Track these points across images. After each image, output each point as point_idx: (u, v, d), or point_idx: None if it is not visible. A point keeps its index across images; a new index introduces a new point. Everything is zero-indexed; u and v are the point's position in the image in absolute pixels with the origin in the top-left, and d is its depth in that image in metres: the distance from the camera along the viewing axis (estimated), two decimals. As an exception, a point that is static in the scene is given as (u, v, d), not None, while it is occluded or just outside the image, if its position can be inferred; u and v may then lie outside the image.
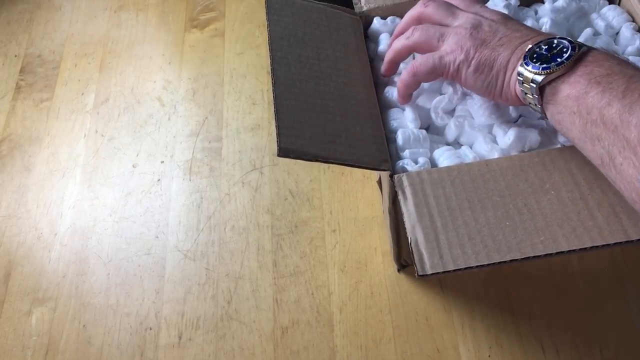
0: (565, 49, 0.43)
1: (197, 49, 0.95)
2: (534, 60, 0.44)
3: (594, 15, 0.60)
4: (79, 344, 0.70)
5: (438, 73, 0.51)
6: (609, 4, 0.61)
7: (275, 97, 0.49)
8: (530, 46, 0.45)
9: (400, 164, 0.51)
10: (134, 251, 0.76)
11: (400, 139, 0.53)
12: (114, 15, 1.02)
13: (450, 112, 0.55)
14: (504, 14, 0.51)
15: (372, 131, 0.52)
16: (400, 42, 0.54)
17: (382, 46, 0.61)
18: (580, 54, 0.42)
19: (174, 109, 0.88)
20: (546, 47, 0.44)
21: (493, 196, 0.46)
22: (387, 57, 0.56)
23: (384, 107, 0.57)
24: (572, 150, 0.47)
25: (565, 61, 0.42)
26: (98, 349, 0.69)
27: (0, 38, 1.01)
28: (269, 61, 0.52)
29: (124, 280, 0.74)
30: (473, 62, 0.48)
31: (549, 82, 0.43)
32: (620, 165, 0.38)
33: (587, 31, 0.58)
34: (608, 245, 0.42)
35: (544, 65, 0.43)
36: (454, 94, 0.55)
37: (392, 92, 0.57)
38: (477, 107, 0.53)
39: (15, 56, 0.98)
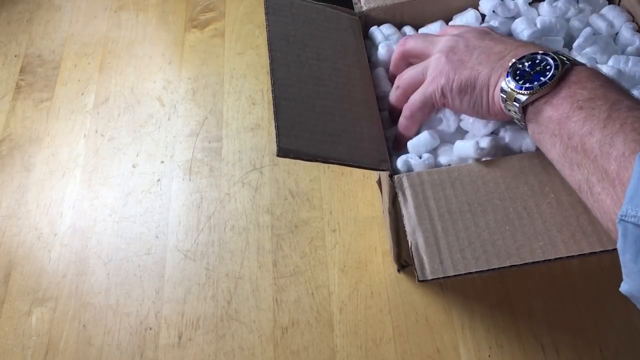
0: (548, 67, 0.42)
1: (197, 49, 0.95)
2: (517, 77, 0.43)
3: (594, 16, 0.60)
4: (79, 344, 0.70)
5: (429, 105, 0.51)
6: (609, 4, 0.61)
7: (275, 97, 0.49)
8: (513, 61, 0.44)
9: (405, 158, 0.51)
10: (134, 251, 0.76)
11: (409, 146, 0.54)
12: (114, 15, 1.01)
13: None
14: (482, 28, 0.51)
15: (371, 131, 0.52)
16: (395, 95, 0.55)
17: (381, 51, 0.61)
18: (564, 72, 0.42)
19: (174, 109, 0.88)
20: (529, 63, 0.43)
21: (493, 199, 0.46)
22: (391, 111, 0.57)
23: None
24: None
25: (548, 81, 0.42)
26: (98, 349, 0.69)
27: (0, 38, 1.01)
28: (269, 61, 0.52)
29: (124, 280, 0.74)
30: (454, 84, 0.48)
31: (532, 102, 0.43)
32: (599, 194, 0.38)
33: (587, 31, 0.58)
34: (607, 251, 0.42)
35: (527, 85, 0.42)
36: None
37: None
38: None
39: (15, 56, 0.98)
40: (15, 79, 0.95)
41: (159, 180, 0.82)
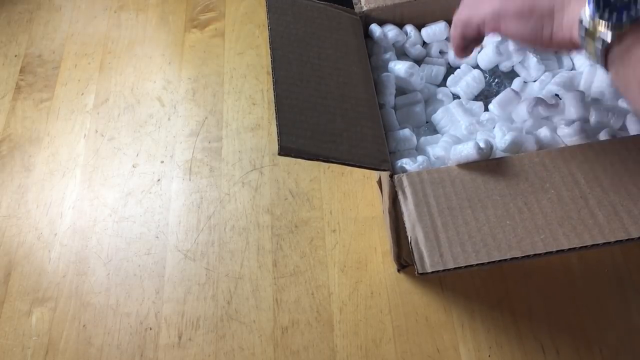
0: None
1: (197, 49, 0.95)
2: (599, 7, 0.35)
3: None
4: (79, 344, 0.70)
5: (473, 25, 0.45)
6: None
7: (276, 96, 0.49)
8: None
9: (399, 163, 0.51)
10: (134, 251, 0.76)
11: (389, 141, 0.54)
12: (114, 15, 1.02)
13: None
14: None
15: (372, 131, 0.52)
16: (451, 34, 0.49)
17: (377, 34, 0.62)
18: None
19: (174, 109, 0.88)
20: None
21: (493, 195, 0.46)
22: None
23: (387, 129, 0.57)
24: (572, 150, 0.47)
25: None
26: (98, 349, 0.69)
27: (0, 38, 1.01)
28: (270, 60, 0.52)
29: (124, 280, 0.74)
30: (510, 7, 0.41)
31: (619, 40, 0.35)
32: None
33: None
34: (609, 243, 0.42)
35: (615, 20, 0.35)
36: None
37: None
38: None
39: (15, 56, 0.98)
40: (15, 79, 0.95)
41: (159, 180, 0.82)
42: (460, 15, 0.46)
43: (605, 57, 0.37)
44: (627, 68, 0.35)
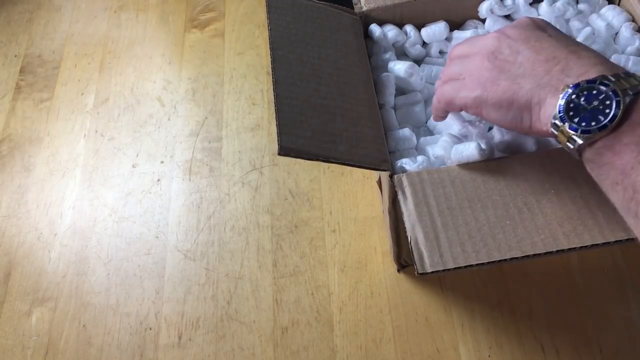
0: (607, 102, 0.36)
1: (197, 49, 0.95)
2: (570, 113, 0.37)
3: (593, 16, 0.60)
4: (79, 344, 0.70)
5: (456, 106, 0.47)
6: (609, 3, 0.61)
7: (276, 96, 0.49)
8: (566, 94, 0.38)
9: (399, 163, 0.51)
10: (134, 251, 0.76)
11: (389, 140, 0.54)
12: (114, 15, 1.02)
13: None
14: (533, 23, 0.44)
15: (372, 131, 0.52)
16: (434, 109, 0.51)
17: (377, 34, 0.62)
18: (626, 109, 0.36)
19: (174, 109, 0.88)
20: (585, 95, 0.37)
21: (493, 195, 0.46)
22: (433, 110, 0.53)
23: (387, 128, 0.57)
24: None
25: (608, 123, 0.36)
26: (98, 349, 0.69)
27: (0, 38, 1.01)
28: (270, 60, 0.52)
29: (124, 280, 0.74)
30: (490, 97, 0.42)
31: (590, 144, 0.37)
32: None
33: (587, 31, 0.58)
34: (609, 243, 0.42)
35: (584, 127, 0.37)
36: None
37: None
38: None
39: (15, 56, 0.98)
40: (15, 79, 0.95)
41: (159, 180, 0.82)
42: (445, 93, 0.48)
43: (579, 156, 0.39)
44: (600, 168, 0.37)
